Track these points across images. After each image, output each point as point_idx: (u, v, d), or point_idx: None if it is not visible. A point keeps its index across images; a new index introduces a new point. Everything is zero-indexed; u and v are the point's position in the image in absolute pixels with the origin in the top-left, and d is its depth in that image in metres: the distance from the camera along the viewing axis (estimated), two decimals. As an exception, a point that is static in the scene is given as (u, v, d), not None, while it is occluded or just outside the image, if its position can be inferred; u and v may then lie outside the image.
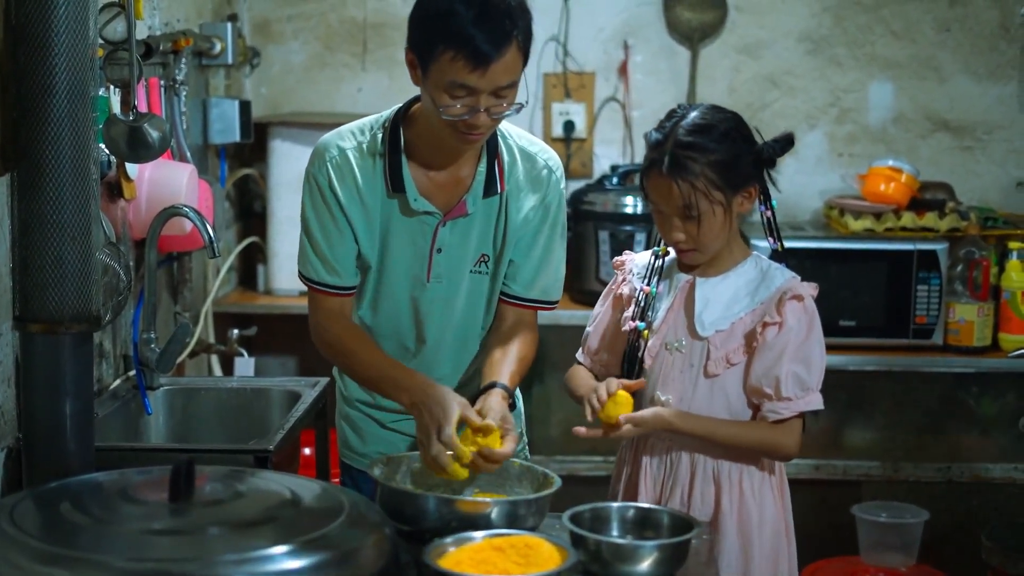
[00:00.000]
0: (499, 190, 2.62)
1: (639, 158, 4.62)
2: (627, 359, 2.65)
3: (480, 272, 2.67)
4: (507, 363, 2.64)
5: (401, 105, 2.63)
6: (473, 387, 2.66)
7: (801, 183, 4.59)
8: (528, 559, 2.08)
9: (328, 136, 2.63)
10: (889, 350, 4.20)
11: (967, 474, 4.22)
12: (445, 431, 2.38)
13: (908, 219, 4.28)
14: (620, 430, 2.53)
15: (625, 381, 2.57)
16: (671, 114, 2.59)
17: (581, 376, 2.74)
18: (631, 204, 4.31)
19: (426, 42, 2.42)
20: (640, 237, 4.23)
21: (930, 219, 4.27)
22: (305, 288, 2.70)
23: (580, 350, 2.80)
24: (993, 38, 4.58)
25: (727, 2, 4.61)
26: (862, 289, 4.19)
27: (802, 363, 2.53)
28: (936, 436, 4.26)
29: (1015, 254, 4.19)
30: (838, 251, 4.21)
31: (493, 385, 2.57)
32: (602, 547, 2.20)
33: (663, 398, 2.60)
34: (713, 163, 2.50)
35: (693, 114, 2.55)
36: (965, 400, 4.25)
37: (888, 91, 4.63)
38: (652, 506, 2.45)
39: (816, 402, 2.56)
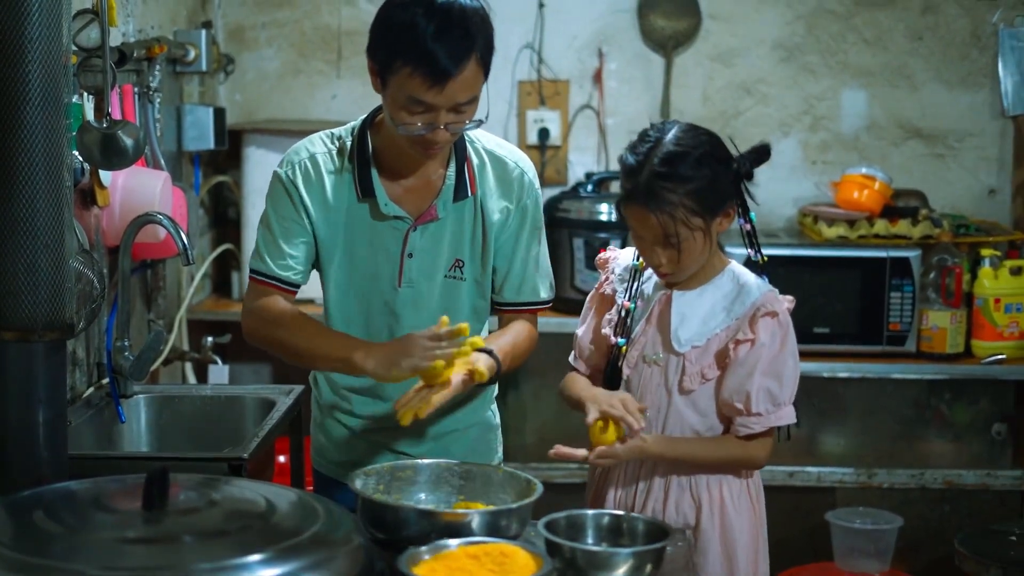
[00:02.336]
0: (469, 194, 2.63)
1: (614, 165, 4.63)
2: (609, 374, 2.65)
3: (455, 277, 2.67)
4: (500, 337, 2.66)
5: (368, 113, 2.65)
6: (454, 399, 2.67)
7: (775, 191, 4.61)
8: (503, 567, 2.08)
9: (299, 142, 2.66)
10: (863, 357, 4.22)
11: (940, 480, 4.24)
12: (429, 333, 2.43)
13: (881, 226, 4.30)
14: (596, 460, 2.53)
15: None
16: (644, 136, 2.54)
17: (582, 383, 2.70)
18: (606, 211, 4.31)
19: (385, 55, 2.43)
20: (615, 244, 4.24)
21: (903, 226, 4.29)
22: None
23: (573, 355, 2.77)
24: (965, 46, 4.61)
25: (701, 10, 4.62)
26: (836, 296, 4.21)
27: (774, 378, 2.53)
28: (910, 442, 4.28)
29: (987, 261, 4.21)
30: (812, 258, 4.22)
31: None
32: (577, 554, 2.20)
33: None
34: (691, 192, 2.47)
35: (668, 139, 2.50)
36: (938, 407, 4.27)
37: (861, 99, 4.65)
38: (627, 513, 2.45)
39: (788, 416, 2.56)
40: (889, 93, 4.64)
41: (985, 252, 4.24)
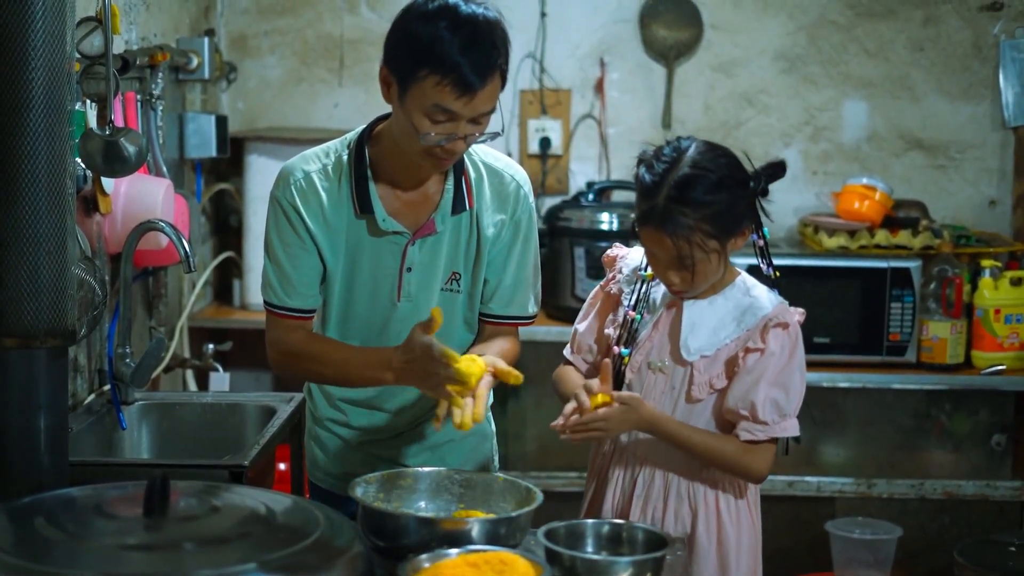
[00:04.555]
0: (467, 207, 2.62)
1: (615, 175, 4.64)
2: (612, 379, 2.63)
3: (452, 290, 2.67)
4: (488, 349, 2.64)
5: (365, 126, 2.64)
6: None
7: (776, 201, 4.50)
8: (503, 575, 2.09)
9: (292, 160, 2.64)
10: (863, 367, 4.22)
11: (940, 491, 4.24)
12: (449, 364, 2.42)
13: (882, 237, 4.31)
14: (595, 414, 2.49)
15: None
16: (660, 154, 2.51)
17: (571, 376, 2.71)
18: (607, 220, 4.32)
19: (408, 64, 2.42)
20: (616, 253, 4.24)
21: (904, 237, 4.30)
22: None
23: (568, 348, 2.77)
24: (966, 58, 4.61)
25: (703, 20, 4.63)
26: (836, 306, 4.21)
27: (781, 388, 2.52)
28: (909, 453, 4.28)
29: (988, 272, 4.22)
30: (812, 268, 4.23)
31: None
32: (577, 563, 2.20)
33: None
34: (707, 216, 2.45)
35: (685, 160, 2.47)
36: (938, 417, 4.27)
37: (862, 110, 4.66)
38: (627, 522, 2.45)
39: (792, 428, 2.55)
40: (890, 104, 4.65)
41: (985, 263, 4.25)
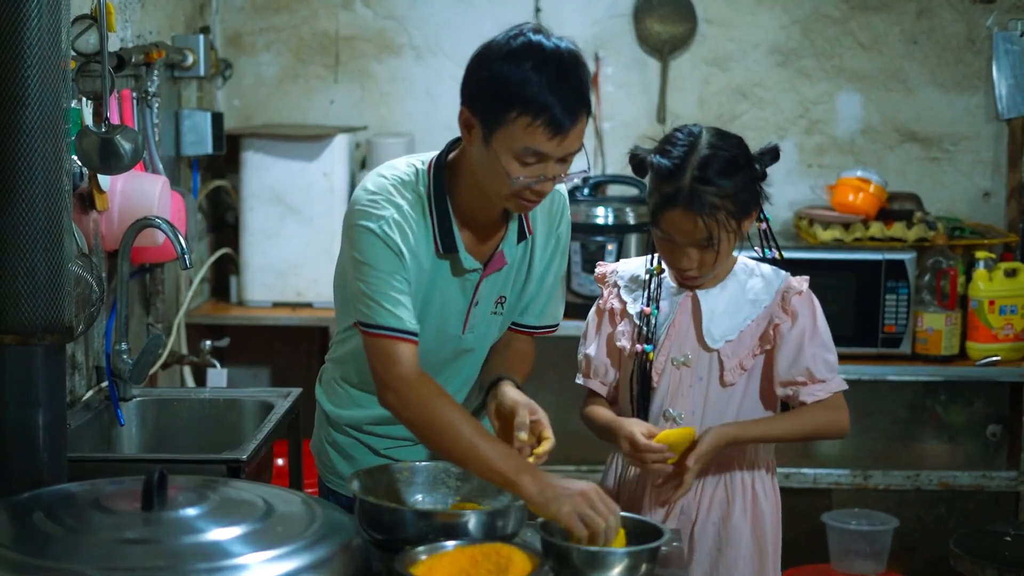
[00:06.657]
0: (527, 235, 2.57)
1: (611, 169, 4.65)
2: (638, 382, 2.65)
3: (497, 313, 2.62)
4: (508, 361, 2.61)
5: (436, 157, 2.52)
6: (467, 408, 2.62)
7: (771, 194, 4.60)
8: (500, 567, 2.10)
9: (371, 192, 2.46)
10: (858, 359, 4.22)
11: (936, 482, 4.26)
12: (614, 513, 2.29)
13: (876, 229, 4.32)
14: (688, 474, 2.53)
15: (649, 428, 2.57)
16: (673, 140, 2.56)
17: (605, 413, 2.68)
18: (602, 215, 4.32)
19: (495, 106, 2.33)
20: (611, 247, 4.25)
21: (898, 229, 4.31)
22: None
23: (580, 376, 2.75)
24: (959, 50, 4.62)
25: (697, 14, 4.64)
26: (831, 298, 4.17)
27: (822, 347, 2.61)
28: (905, 444, 4.30)
29: (982, 264, 4.23)
30: (807, 261, 4.22)
31: (500, 378, 2.51)
32: (573, 554, 2.21)
33: (673, 413, 2.61)
34: (730, 195, 2.51)
35: (703, 143, 2.53)
36: (933, 408, 4.29)
37: (856, 102, 4.67)
38: (622, 513, 2.46)
39: (842, 382, 2.64)
40: (884, 97, 4.66)
41: (980, 254, 4.26)
